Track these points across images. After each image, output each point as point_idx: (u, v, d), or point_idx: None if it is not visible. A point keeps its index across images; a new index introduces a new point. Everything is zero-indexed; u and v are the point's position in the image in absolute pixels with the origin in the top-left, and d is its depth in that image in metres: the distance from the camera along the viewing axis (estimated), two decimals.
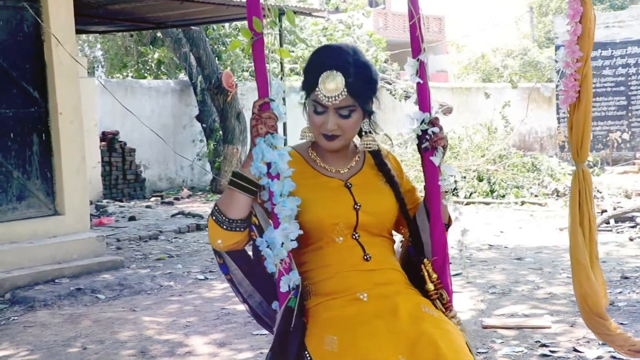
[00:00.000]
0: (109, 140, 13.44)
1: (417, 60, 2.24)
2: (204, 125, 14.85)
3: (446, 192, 2.23)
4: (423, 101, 2.23)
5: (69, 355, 5.00)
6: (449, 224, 2.32)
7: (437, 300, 2.21)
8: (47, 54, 7.48)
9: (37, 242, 7.05)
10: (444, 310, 2.20)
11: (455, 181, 2.47)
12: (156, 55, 16.71)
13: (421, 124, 2.21)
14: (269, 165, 2.04)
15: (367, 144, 2.29)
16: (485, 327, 5.22)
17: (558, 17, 19.98)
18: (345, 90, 2.13)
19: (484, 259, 7.66)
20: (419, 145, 2.24)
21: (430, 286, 2.21)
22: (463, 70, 28.25)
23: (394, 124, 18.77)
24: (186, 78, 15.71)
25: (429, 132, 2.19)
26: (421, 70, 2.22)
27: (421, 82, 2.23)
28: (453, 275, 6.74)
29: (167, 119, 15.03)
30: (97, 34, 15.47)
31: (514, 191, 12.03)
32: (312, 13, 12.05)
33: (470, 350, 2.07)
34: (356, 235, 2.19)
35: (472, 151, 13.32)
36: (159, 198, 13.62)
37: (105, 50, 17.97)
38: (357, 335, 2.00)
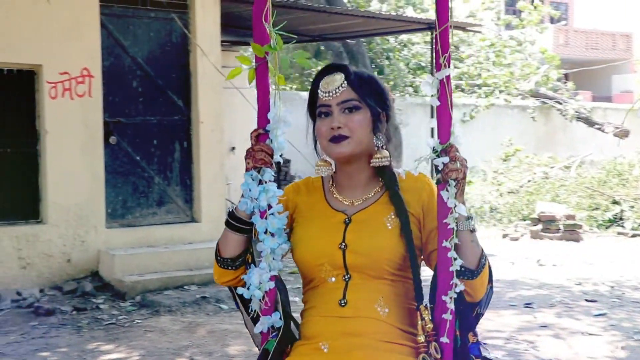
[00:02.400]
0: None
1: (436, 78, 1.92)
2: None
3: (451, 225, 1.89)
4: (442, 127, 1.90)
5: None
6: (476, 270, 1.91)
7: (425, 355, 1.90)
8: (192, 64, 7.67)
9: (172, 247, 7.23)
10: None
11: (470, 218, 2.09)
12: (319, 68, 16.88)
13: (433, 151, 1.91)
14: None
15: (378, 160, 2.04)
16: None
17: None
18: (346, 82, 2.03)
19: (638, 300, 6.92)
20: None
21: (421, 337, 1.92)
22: None
23: (565, 145, 17.80)
24: None
25: (439, 162, 1.88)
26: (442, 92, 1.90)
27: (439, 104, 1.90)
28: (596, 315, 6.26)
29: None
30: None
31: None
32: (466, 28, 11.58)
33: None
34: (347, 277, 2.00)
35: None
36: None
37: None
38: None
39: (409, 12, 19.16)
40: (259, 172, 1.97)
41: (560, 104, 17.61)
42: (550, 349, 5.31)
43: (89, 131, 7.11)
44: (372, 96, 2.06)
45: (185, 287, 6.91)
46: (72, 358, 5.23)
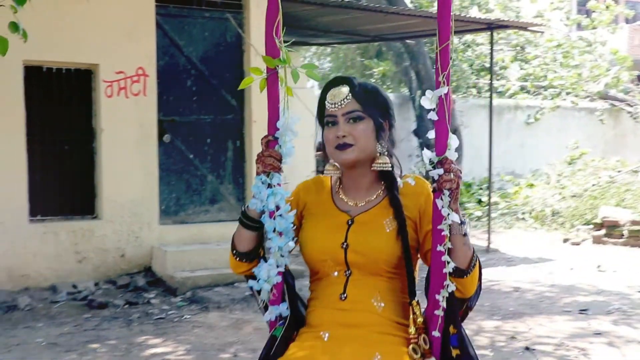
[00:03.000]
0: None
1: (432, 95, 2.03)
2: (420, 140, 14.63)
3: (445, 231, 2.04)
4: (439, 140, 2.02)
5: None
6: (467, 270, 2.07)
7: (415, 345, 2.09)
8: (246, 63, 7.73)
9: (223, 245, 7.28)
10: (419, 357, 2.09)
11: (462, 223, 2.19)
12: (380, 69, 16.80)
13: (429, 163, 2.03)
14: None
15: (379, 165, 2.21)
16: None
17: None
18: (350, 95, 2.20)
19: None
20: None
21: (412, 329, 2.11)
22: None
23: (634, 149, 17.22)
24: (406, 92, 15.62)
25: (434, 174, 2.01)
26: (440, 108, 2.02)
27: (437, 119, 2.03)
28: None
29: None
30: (325, 46, 15.91)
31: None
32: (527, 28, 11.31)
33: None
34: (348, 272, 2.20)
35: None
36: None
37: (332, 62, 18.44)
38: None
39: (474, 12, 18.91)
40: (268, 176, 2.11)
41: (631, 106, 17.06)
42: (602, 357, 5.14)
43: (143, 129, 7.24)
44: (375, 107, 2.22)
45: (235, 284, 6.96)
46: (120, 350, 5.33)
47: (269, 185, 2.10)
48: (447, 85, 2.02)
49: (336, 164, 2.26)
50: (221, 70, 7.66)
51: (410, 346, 2.09)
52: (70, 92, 7.12)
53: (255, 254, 2.22)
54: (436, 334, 2.09)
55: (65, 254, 6.91)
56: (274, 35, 2.14)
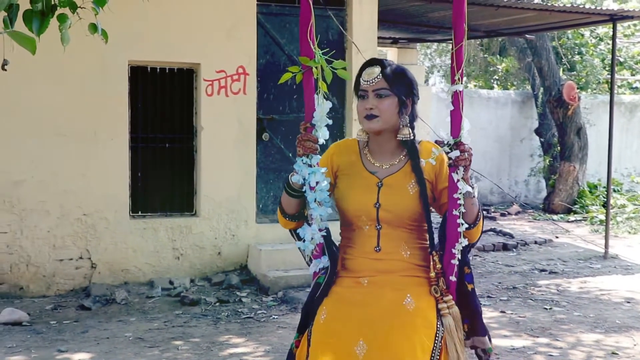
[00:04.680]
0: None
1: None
2: (542, 139, 14.00)
3: (460, 200, 2.50)
4: (454, 126, 2.49)
5: None
6: (473, 223, 2.57)
7: (435, 286, 2.59)
8: (348, 61, 7.61)
9: None
10: (439, 295, 2.58)
11: (469, 192, 2.42)
12: (503, 65, 16.21)
13: (446, 145, 2.46)
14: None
15: (402, 135, 2.63)
16: None
17: None
18: (380, 75, 2.61)
19: None
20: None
21: (432, 274, 2.60)
22: None
23: None
24: (529, 89, 14.99)
25: (452, 155, 2.45)
26: (455, 99, 2.48)
27: (453, 108, 2.49)
28: None
29: (505, 130, 14.47)
30: (445, 43, 15.52)
31: None
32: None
33: (436, 340, 2.52)
34: (378, 227, 2.63)
35: None
36: (485, 212, 13.17)
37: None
38: (339, 314, 2.57)
39: (606, 4, 17.89)
40: (307, 157, 2.48)
41: None
42: None
43: (242, 127, 7.29)
44: (401, 86, 2.63)
45: None
46: (201, 348, 5.36)
47: (310, 165, 2.47)
48: (462, 82, 2.47)
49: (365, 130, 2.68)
50: None
51: (432, 287, 2.59)
52: (172, 92, 7.26)
53: (301, 215, 2.64)
54: (453, 278, 2.58)
55: (163, 250, 7.07)
56: (308, 38, 2.51)
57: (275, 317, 6.22)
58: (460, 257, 2.56)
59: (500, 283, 7.62)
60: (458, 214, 2.51)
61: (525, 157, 14.54)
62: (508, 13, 8.80)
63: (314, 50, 2.49)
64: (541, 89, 13.75)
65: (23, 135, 6.63)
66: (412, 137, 2.65)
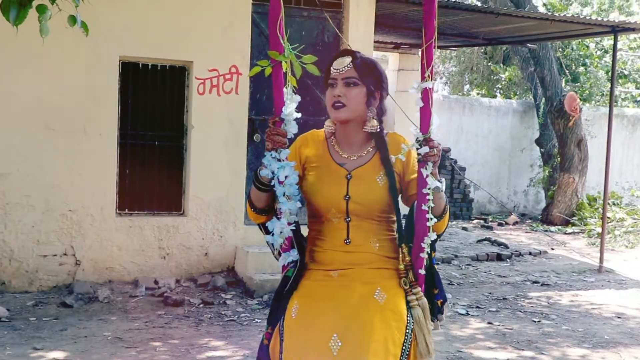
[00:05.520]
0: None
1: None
2: (542, 150, 13.89)
3: (429, 195, 2.53)
4: (423, 122, 2.49)
5: None
6: (440, 215, 2.59)
7: (405, 278, 2.61)
8: None
9: None
10: (408, 287, 2.60)
11: (438, 187, 2.50)
12: (507, 74, 16.11)
13: (416, 141, 2.47)
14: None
15: (369, 127, 2.64)
16: None
17: None
18: (351, 64, 2.62)
19: None
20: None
21: (401, 266, 2.63)
22: None
23: None
24: (531, 99, 14.88)
25: (422, 152, 2.46)
26: (424, 95, 2.47)
27: (422, 105, 2.48)
28: None
29: (505, 140, 14.37)
30: (447, 50, 15.43)
31: None
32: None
33: (406, 333, 2.54)
34: (348, 219, 2.64)
35: None
36: (482, 221, 13.06)
37: (456, 66, 17.85)
38: (311, 308, 2.57)
39: (613, 16, 17.79)
40: (276, 151, 2.46)
41: None
42: None
43: (233, 128, 7.20)
44: (370, 77, 2.63)
45: None
46: (179, 350, 5.27)
47: (279, 160, 2.47)
48: (432, 79, 2.47)
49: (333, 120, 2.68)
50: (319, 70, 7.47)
51: (402, 279, 2.61)
52: (164, 89, 7.17)
53: (270, 209, 2.61)
54: (422, 271, 2.61)
55: (149, 249, 6.98)
56: (278, 32, 2.48)
57: (259, 321, 6.12)
58: (429, 251, 2.61)
59: (490, 294, 7.52)
60: (427, 208, 2.54)
61: (525, 167, 14.43)
62: (508, 21, 8.71)
63: (283, 44, 2.46)
64: (543, 99, 13.65)
65: (9, 127, 6.55)
66: (379, 130, 2.66)
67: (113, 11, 6.78)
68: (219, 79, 7.14)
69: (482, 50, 16.11)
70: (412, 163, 2.64)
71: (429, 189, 2.51)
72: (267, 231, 2.60)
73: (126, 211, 7.03)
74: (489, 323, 6.36)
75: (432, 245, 2.64)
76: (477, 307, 6.92)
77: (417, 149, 2.48)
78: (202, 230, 7.14)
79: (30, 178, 6.61)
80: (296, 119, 2.49)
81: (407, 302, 2.59)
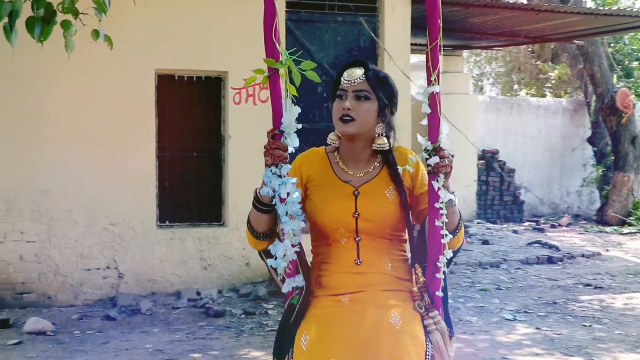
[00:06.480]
0: (488, 159, 13.02)
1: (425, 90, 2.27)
2: (595, 148, 13.53)
3: (442, 210, 2.33)
4: (432, 130, 2.29)
5: None
6: (454, 231, 2.40)
7: (419, 301, 2.41)
8: (380, 68, 7.40)
9: None
10: (424, 310, 2.40)
11: (451, 201, 2.31)
12: (556, 73, 15.75)
13: (424, 151, 2.28)
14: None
15: (378, 145, 2.47)
16: None
17: None
18: (363, 77, 2.44)
19: None
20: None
21: (415, 288, 2.42)
22: None
23: None
24: (582, 97, 14.52)
25: (431, 162, 2.27)
26: (432, 101, 2.26)
27: (430, 111, 2.28)
28: None
29: (556, 139, 14.04)
30: (494, 50, 15.19)
31: None
32: None
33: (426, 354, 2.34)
34: (357, 238, 2.45)
35: None
36: (534, 223, 12.76)
37: (503, 66, 17.52)
38: (323, 339, 2.34)
39: None
40: (277, 167, 2.27)
41: None
42: None
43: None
44: (382, 92, 2.46)
45: None
46: None
47: (279, 176, 2.27)
48: (438, 83, 2.23)
49: (339, 134, 2.51)
50: None
51: (415, 303, 2.41)
52: (200, 100, 7.19)
53: (273, 233, 2.42)
54: (439, 293, 2.40)
55: (191, 261, 6.99)
56: (273, 38, 2.35)
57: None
58: (445, 270, 2.38)
59: (539, 298, 7.30)
60: (441, 224, 2.32)
61: (577, 167, 14.08)
62: (551, 18, 8.50)
63: (279, 50, 2.32)
64: (594, 97, 13.30)
65: (50, 144, 6.65)
66: (388, 148, 2.48)
67: (147, 25, 6.83)
68: (254, 88, 7.09)
69: (529, 49, 15.78)
70: (421, 176, 2.48)
71: (442, 202, 2.31)
72: (268, 255, 2.39)
73: (167, 223, 7.07)
74: (536, 328, 6.16)
75: (448, 264, 2.41)
76: (525, 311, 6.73)
77: (426, 159, 2.28)
78: (243, 240, 7.11)
79: (72, 193, 6.69)
80: (297, 131, 2.31)
81: (425, 327, 2.39)
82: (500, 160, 13.18)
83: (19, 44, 3.94)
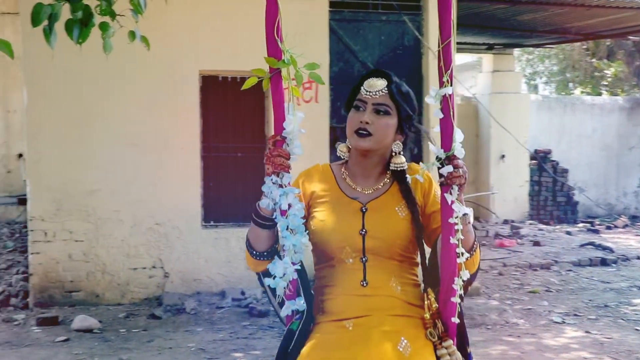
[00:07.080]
0: (540, 159, 12.76)
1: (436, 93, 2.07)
2: None
3: (457, 225, 2.10)
4: (444, 137, 2.08)
5: None
6: (469, 251, 2.15)
7: (432, 329, 2.19)
8: (425, 67, 7.37)
9: None
10: (436, 340, 2.17)
11: (465, 215, 2.06)
12: (612, 70, 15.37)
13: (436, 159, 2.08)
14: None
15: (396, 165, 2.31)
16: None
17: None
18: (386, 90, 2.27)
19: None
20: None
21: (427, 315, 2.20)
22: None
23: None
24: (639, 94, 14.13)
25: (444, 172, 2.07)
26: (444, 104, 2.07)
27: (442, 116, 2.08)
28: None
29: (612, 138, 13.68)
30: (547, 48, 14.91)
31: None
32: None
33: None
34: (364, 259, 2.25)
35: None
36: (589, 224, 12.45)
37: (556, 64, 17.17)
38: None
39: None
40: (278, 176, 2.11)
41: None
42: None
43: (314, 136, 7.16)
44: (404, 108, 2.29)
45: None
46: None
47: (280, 186, 2.12)
48: (451, 85, 2.05)
49: (349, 146, 2.35)
50: (398, 74, 7.23)
51: (428, 331, 2.18)
52: (244, 100, 7.22)
53: (274, 252, 2.22)
54: (455, 320, 2.16)
55: (235, 260, 7.02)
56: (275, 36, 2.14)
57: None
58: (462, 294, 2.14)
59: (590, 300, 7.12)
60: (456, 242, 2.09)
61: (634, 167, 13.69)
62: (603, 13, 8.29)
63: (282, 49, 2.13)
64: None
65: (97, 145, 6.76)
66: (405, 172, 2.29)
67: (191, 26, 6.90)
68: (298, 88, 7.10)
69: (584, 46, 15.44)
70: (434, 193, 2.30)
71: (457, 217, 2.08)
72: (265, 275, 2.19)
73: (212, 223, 7.11)
74: (586, 332, 6.01)
75: (465, 289, 2.17)
76: (575, 314, 6.57)
77: (439, 168, 2.08)
78: None
79: (118, 193, 6.79)
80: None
81: (437, 357, 2.17)
82: (554, 160, 12.91)
83: (62, 47, 4.03)
